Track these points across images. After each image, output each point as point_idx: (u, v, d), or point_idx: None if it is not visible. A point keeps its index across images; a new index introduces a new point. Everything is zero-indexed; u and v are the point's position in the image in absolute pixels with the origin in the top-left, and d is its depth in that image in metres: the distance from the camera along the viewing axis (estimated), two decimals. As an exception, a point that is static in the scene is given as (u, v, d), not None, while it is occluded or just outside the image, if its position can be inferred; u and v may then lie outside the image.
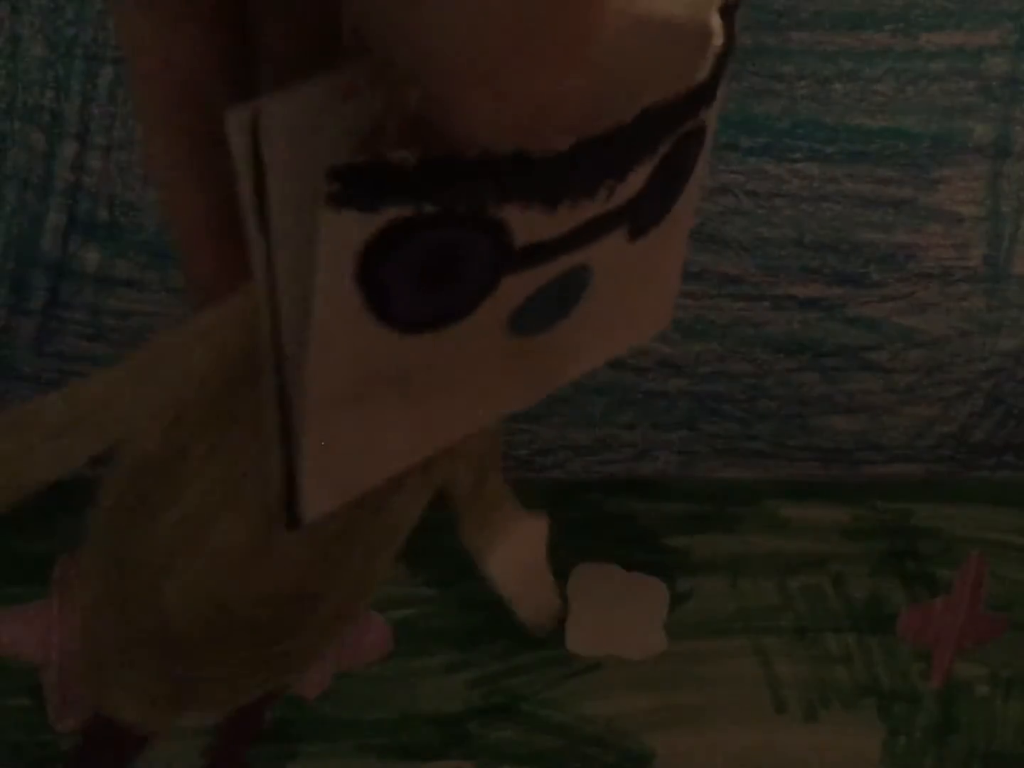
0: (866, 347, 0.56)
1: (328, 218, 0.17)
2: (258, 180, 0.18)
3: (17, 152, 0.46)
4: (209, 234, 0.21)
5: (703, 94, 0.19)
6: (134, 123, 0.46)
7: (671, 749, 0.59)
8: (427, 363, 0.20)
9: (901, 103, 0.52)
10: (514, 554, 0.28)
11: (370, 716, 0.56)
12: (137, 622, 0.24)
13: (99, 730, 0.30)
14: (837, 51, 0.51)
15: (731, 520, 0.59)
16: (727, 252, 0.53)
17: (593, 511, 0.58)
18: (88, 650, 0.26)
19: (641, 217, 0.20)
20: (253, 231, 0.19)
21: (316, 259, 0.18)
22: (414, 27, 0.16)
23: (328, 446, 0.21)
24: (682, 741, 0.59)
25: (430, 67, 0.16)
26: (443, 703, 0.57)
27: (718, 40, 0.19)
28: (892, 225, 0.54)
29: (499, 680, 0.57)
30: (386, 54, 0.17)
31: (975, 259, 0.55)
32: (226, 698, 0.27)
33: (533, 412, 0.55)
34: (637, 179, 0.19)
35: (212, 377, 0.21)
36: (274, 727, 0.55)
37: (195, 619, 0.24)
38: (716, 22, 0.19)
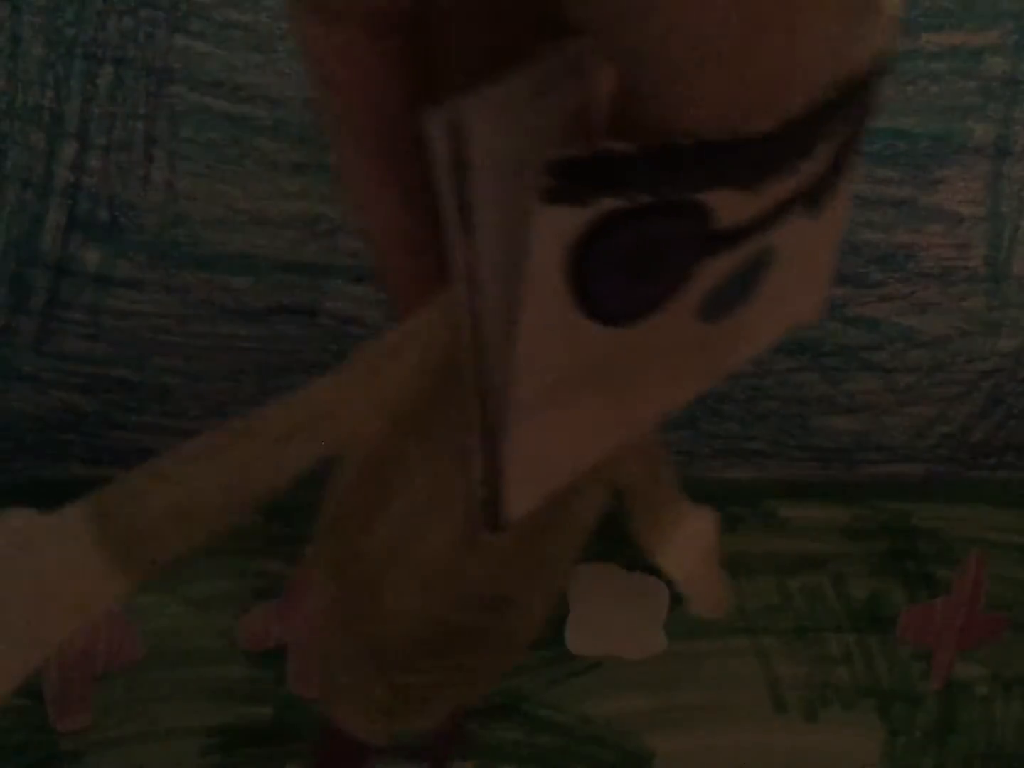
0: (866, 347, 0.56)
1: (541, 213, 0.17)
2: (459, 180, 0.18)
3: (17, 152, 0.46)
4: (407, 244, 0.21)
5: (886, 63, 0.19)
6: (134, 123, 0.46)
7: (671, 749, 0.59)
8: (626, 355, 0.20)
9: (901, 103, 0.52)
10: (687, 547, 0.28)
11: (370, 716, 0.56)
12: (359, 631, 0.25)
13: (329, 745, 0.30)
14: (837, 51, 0.51)
15: (731, 520, 0.59)
16: (727, 252, 0.53)
17: (593, 511, 0.58)
18: (320, 663, 0.26)
19: (822, 193, 0.20)
20: (454, 232, 0.19)
21: (526, 255, 0.18)
22: (649, 13, 0.16)
23: (531, 445, 0.21)
24: (682, 741, 0.59)
25: (664, 51, 0.16)
26: (443, 703, 0.57)
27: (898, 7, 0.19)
28: (892, 225, 0.54)
29: (499, 680, 0.57)
30: (611, 44, 0.17)
31: (975, 259, 0.55)
32: (440, 707, 0.28)
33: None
34: (824, 156, 0.19)
35: (422, 380, 0.22)
36: (274, 727, 0.56)
37: (409, 626, 0.25)
38: None
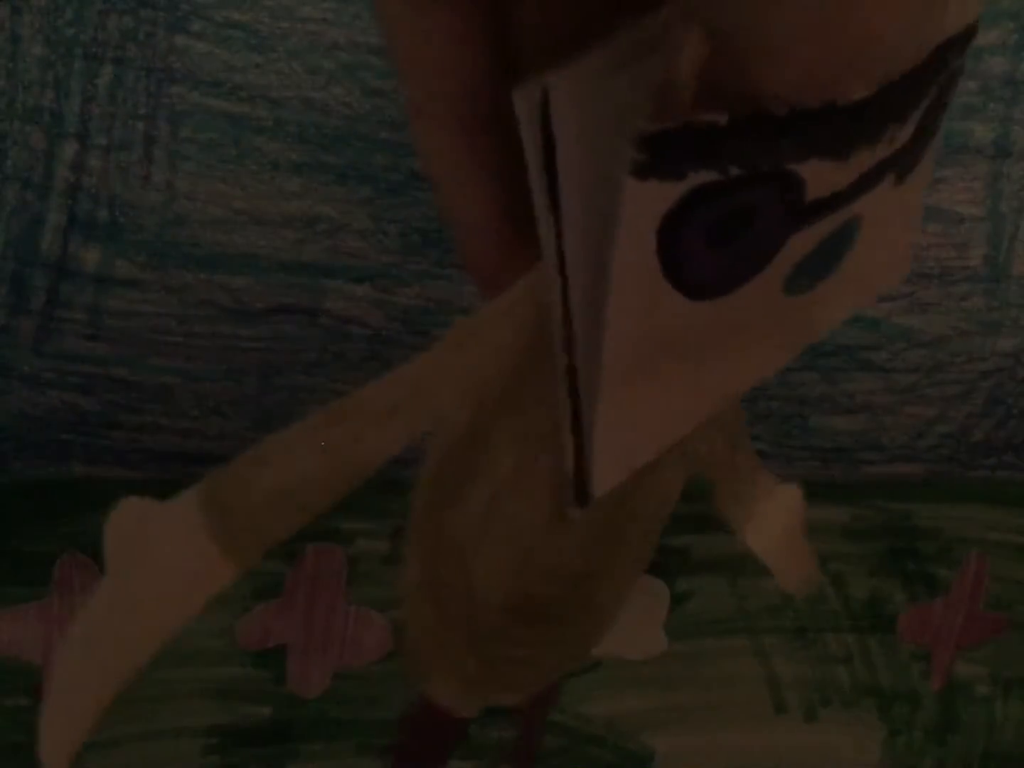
0: (866, 347, 0.56)
1: (632, 188, 0.17)
2: (547, 157, 0.18)
3: (17, 152, 0.46)
4: (493, 222, 0.21)
5: (975, 28, 0.19)
6: (134, 123, 0.46)
7: (671, 749, 0.59)
8: (714, 328, 0.20)
9: (901, 103, 0.52)
10: (771, 522, 0.29)
11: (370, 716, 0.56)
12: (449, 605, 0.25)
13: (421, 719, 0.31)
14: (837, 51, 0.51)
15: (731, 520, 0.59)
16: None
17: (593, 511, 0.58)
18: (409, 636, 0.26)
19: (908, 160, 0.20)
20: (542, 209, 0.19)
21: (616, 230, 0.18)
22: None
23: (619, 420, 0.21)
24: (682, 741, 0.59)
25: (757, 22, 0.16)
26: (443, 703, 0.57)
27: None
28: (892, 225, 0.54)
29: (499, 680, 0.57)
30: (701, 15, 0.16)
31: (975, 259, 0.55)
32: (529, 680, 0.28)
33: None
34: (913, 122, 0.19)
35: (511, 358, 0.22)
36: (274, 727, 0.56)
37: (499, 599, 0.25)
38: None
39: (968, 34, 0.19)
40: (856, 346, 0.56)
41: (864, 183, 0.19)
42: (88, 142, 0.46)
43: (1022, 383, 0.58)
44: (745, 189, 0.18)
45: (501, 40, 0.20)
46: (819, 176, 0.18)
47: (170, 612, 0.24)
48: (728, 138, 0.17)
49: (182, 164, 0.46)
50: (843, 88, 0.17)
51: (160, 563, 0.23)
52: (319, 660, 0.55)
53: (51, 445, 0.51)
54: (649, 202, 0.17)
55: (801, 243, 0.19)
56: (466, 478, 0.23)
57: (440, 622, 0.25)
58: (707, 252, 0.18)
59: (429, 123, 0.21)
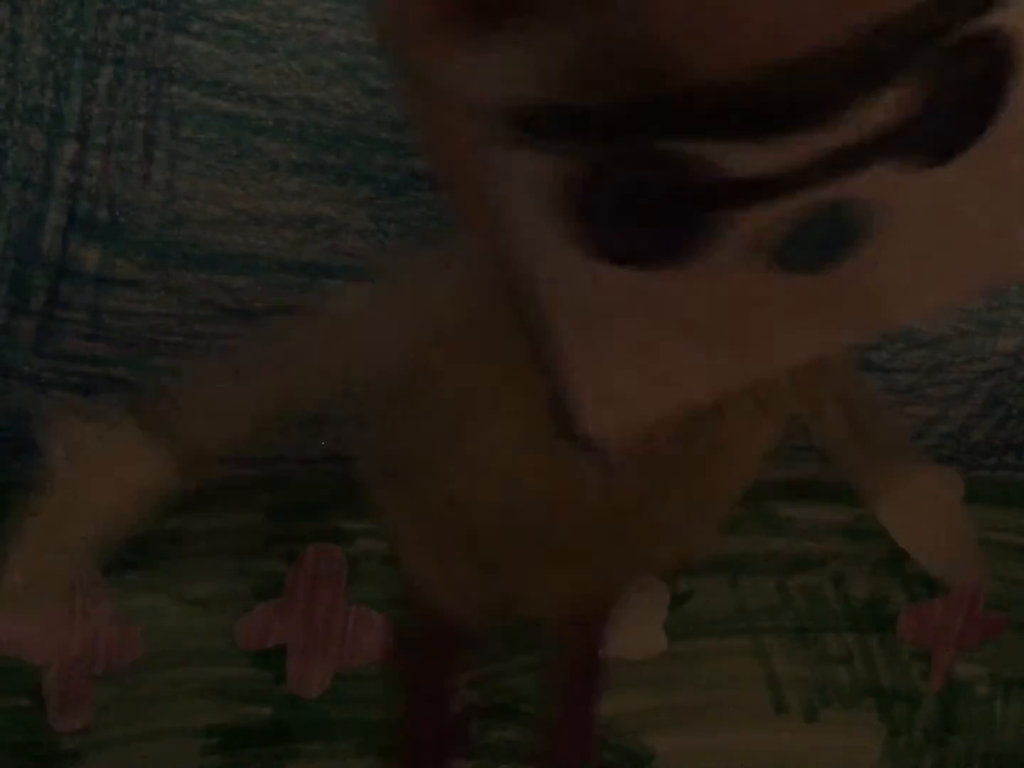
0: (866, 347, 0.56)
1: (520, 157, 0.18)
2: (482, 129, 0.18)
3: (17, 152, 0.46)
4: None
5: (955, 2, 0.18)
6: (134, 123, 0.46)
7: (671, 749, 0.59)
8: (691, 301, 0.20)
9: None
10: (915, 507, 0.28)
11: (370, 716, 0.56)
12: (436, 514, 0.25)
13: (432, 634, 0.31)
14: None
15: (731, 520, 0.59)
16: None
17: (593, 511, 0.58)
18: (414, 567, 0.27)
19: (924, 146, 0.19)
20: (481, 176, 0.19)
21: (510, 197, 0.18)
22: None
23: (602, 374, 0.21)
24: (682, 741, 0.59)
25: (625, 21, 0.16)
26: (443, 703, 0.57)
27: None
28: (892, 225, 0.54)
29: (499, 680, 0.57)
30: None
31: (975, 259, 0.55)
32: (537, 604, 0.29)
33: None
34: (891, 106, 0.18)
35: (464, 296, 0.22)
36: (274, 727, 0.56)
37: (486, 513, 0.25)
38: None
39: (949, 4, 0.18)
40: (856, 346, 0.56)
41: (831, 167, 0.18)
42: (88, 142, 0.46)
43: (1022, 383, 0.58)
44: (638, 166, 0.18)
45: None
46: (739, 157, 0.18)
47: (108, 510, 0.25)
48: (611, 116, 0.17)
49: (182, 164, 0.46)
50: (718, 73, 0.17)
51: (104, 469, 0.24)
52: (319, 660, 0.55)
53: (51, 445, 0.51)
54: (537, 172, 0.18)
55: (767, 221, 0.19)
56: (426, 401, 0.24)
57: (433, 533, 0.26)
58: (622, 224, 0.19)
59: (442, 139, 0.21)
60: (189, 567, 0.52)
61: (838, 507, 0.60)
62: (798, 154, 0.18)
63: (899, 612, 0.61)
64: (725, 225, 0.19)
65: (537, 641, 0.57)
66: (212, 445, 0.23)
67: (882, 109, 0.18)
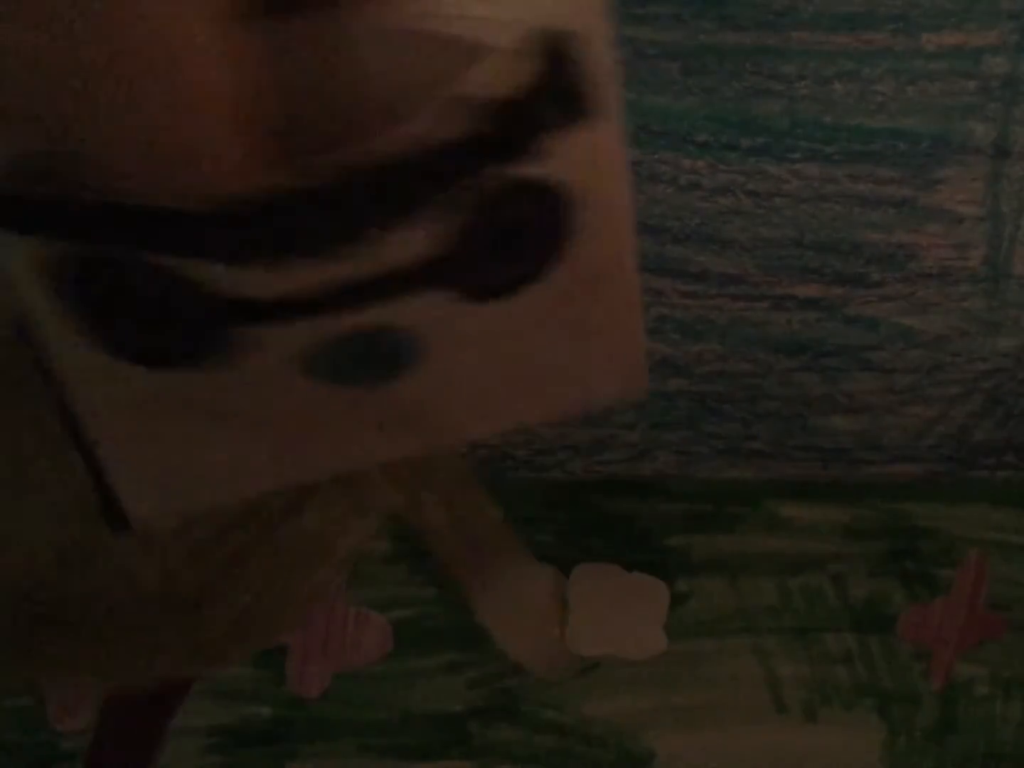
0: (866, 347, 0.56)
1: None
2: None
3: (17, 152, 0.46)
4: None
5: (481, 146, 0.18)
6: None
7: (671, 749, 0.59)
8: (228, 400, 0.21)
9: (901, 103, 0.52)
10: (507, 599, 0.28)
11: (370, 716, 0.56)
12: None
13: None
14: (837, 51, 0.51)
15: (731, 520, 0.59)
16: (727, 252, 0.53)
17: (593, 511, 0.58)
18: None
19: (471, 281, 0.20)
20: None
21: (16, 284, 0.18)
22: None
23: (134, 462, 0.21)
24: (682, 741, 0.59)
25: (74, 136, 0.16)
26: (443, 703, 0.57)
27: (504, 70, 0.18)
28: (892, 225, 0.54)
29: (499, 680, 0.57)
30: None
31: (975, 259, 0.55)
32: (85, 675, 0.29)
33: (533, 412, 0.55)
34: (421, 241, 0.19)
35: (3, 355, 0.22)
36: (274, 727, 0.56)
37: (23, 601, 0.25)
38: (505, 39, 0.18)
39: (476, 148, 0.18)
40: (856, 346, 0.56)
41: (351, 294, 0.19)
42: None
43: (1022, 383, 0.58)
44: (134, 273, 0.18)
45: None
46: (242, 279, 0.18)
47: None
48: (68, 213, 0.17)
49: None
50: (177, 198, 0.17)
51: None
52: (319, 660, 0.55)
53: (51, 445, 0.51)
54: (27, 258, 0.18)
55: (293, 337, 0.20)
56: None
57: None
58: (130, 326, 0.19)
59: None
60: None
61: (838, 507, 0.60)
62: (310, 281, 0.19)
63: (899, 612, 0.61)
64: (248, 337, 0.19)
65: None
66: None
67: (407, 243, 0.19)
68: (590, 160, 0.19)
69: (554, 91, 0.18)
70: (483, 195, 0.18)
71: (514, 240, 0.19)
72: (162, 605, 0.26)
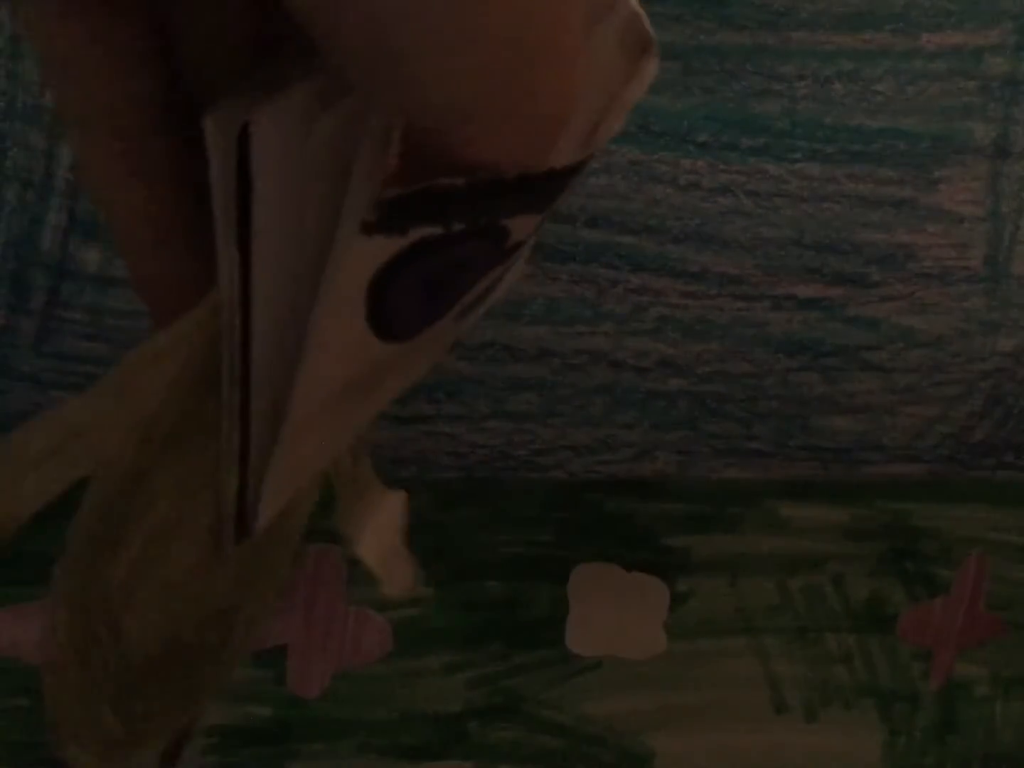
0: (866, 347, 0.56)
1: (357, 243, 0.17)
2: (241, 191, 0.17)
3: (17, 152, 0.46)
4: (159, 245, 0.20)
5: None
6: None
7: (671, 749, 0.59)
8: (398, 363, 0.20)
9: (901, 103, 0.52)
10: (382, 530, 0.28)
11: (370, 716, 0.56)
12: (95, 662, 0.23)
13: None
14: (837, 51, 0.51)
15: (731, 520, 0.59)
16: (727, 252, 0.53)
17: (593, 511, 0.58)
18: (50, 702, 0.25)
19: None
20: (227, 245, 0.18)
21: (331, 282, 0.18)
22: (407, 76, 0.15)
23: (292, 458, 0.20)
24: (682, 741, 0.59)
25: (434, 97, 0.16)
26: (443, 703, 0.57)
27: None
28: (892, 225, 0.54)
29: (499, 680, 0.57)
30: (366, 94, 0.16)
31: (975, 259, 0.55)
32: (165, 730, 0.26)
33: (533, 412, 0.55)
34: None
35: (177, 393, 0.21)
36: (274, 727, 0.55)
37: (151, 651, 0.24)
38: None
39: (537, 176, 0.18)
40: (856, 346, 0.56)
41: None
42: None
43: (1022, 383, 0.58)
44: (463, 240, 0.18)
45: (166, 51, 0.18)
46: (521, 225, 0.19)
47: None
48: (458, 198, 0.17)
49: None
50: (553, 157, 0.17)
51: None
52: (319, 660, 0.55)
53: (51, 445, 0.51)
54: (367, 255, 0.17)
55: (485, 282, 0.20)
56: (123, 523, 0.22)
57: (85, 682, 0.24)
58: (417, 299, 0.19)
59: (88, 136, 0.19)
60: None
61: (838, 507, 0.60)
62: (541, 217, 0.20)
63: (899, 612, 0.61)
64: (473, 288, 0.20)
65: (537, 641, 0.57)
66: None
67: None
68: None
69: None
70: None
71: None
72: (213, 627, 0.25)
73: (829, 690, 0.61)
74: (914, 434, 0.59)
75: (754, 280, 0.54)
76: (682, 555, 0.59)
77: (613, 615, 0.58)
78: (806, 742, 0.61)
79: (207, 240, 0.18)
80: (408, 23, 0.15)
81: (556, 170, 0.18)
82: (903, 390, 0.57)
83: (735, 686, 0.60)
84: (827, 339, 0.56)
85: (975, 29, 0.52)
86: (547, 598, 0.57)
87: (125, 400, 0.21)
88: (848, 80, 0.51)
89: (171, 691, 0.25)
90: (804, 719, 0.61)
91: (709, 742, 0.60)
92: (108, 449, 0.21)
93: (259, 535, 0.22)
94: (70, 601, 0.23)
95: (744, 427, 0.57)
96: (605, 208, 0.52)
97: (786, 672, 0.60)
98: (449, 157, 0.16)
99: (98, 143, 0.19)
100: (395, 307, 0.19)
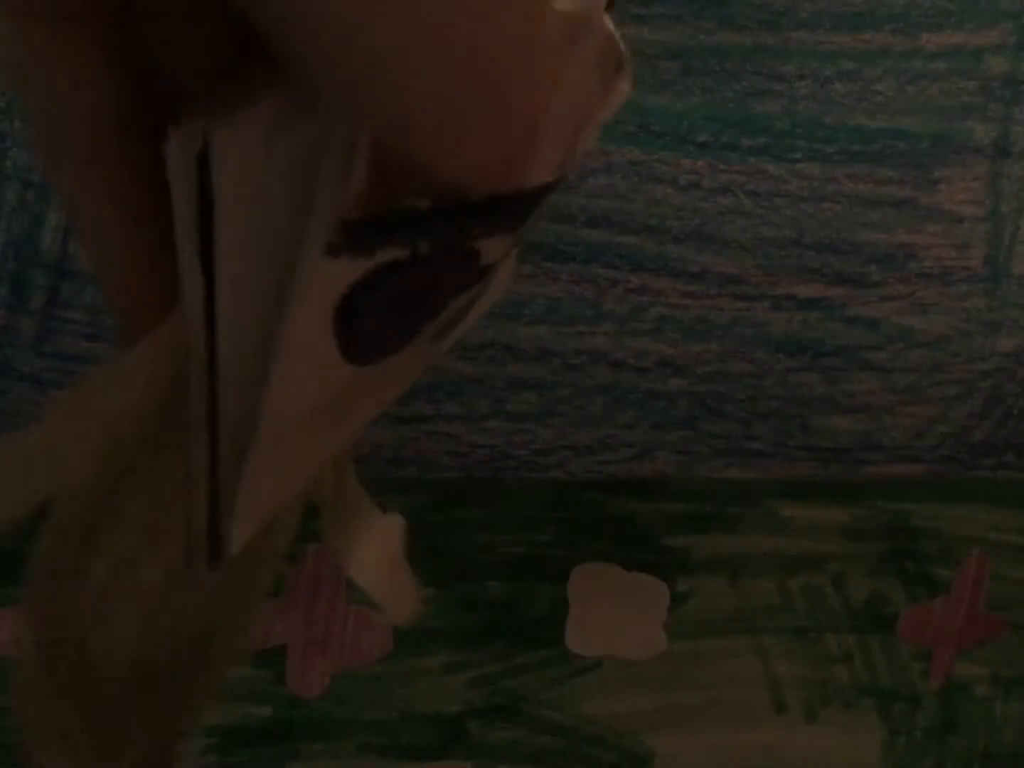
0: (866, 347, 0.56)
1: (321, 266, 0.17)
2: (203, 210, 0.17)
3: (17, 152, 0.46)
4: (130, 266, 0.20)
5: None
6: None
7: (671, 749, 0.59)
8: (368, 384, 0.20)
9: (901, 103, 0.52)
10: (374, 553, 0.27)
11: (370, 716, 0.56)
12: (65, 681, 0.23)
13: None
14: (837, 51, 0.51)
15: (731, 520, 0.59)
16: (727, 252, 0.53)
17: (593, 511, 0.58)
18: (21, 720, 0.24)
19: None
20: (189, 266, 0.18)
21: (295, 305, 0.17)
22: (382, 92, 0.15)
23: (263, 480, 0.20)
24: (682, 741, 0.59)
25: (405, 118, 0.15)
26: (443, 703, 0.57)
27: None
28: (892, 225, 0.54)
29: (499, 680, 0.57)
30: (331, 107, 0.16)
31: (975, 259, 0.55)
32: (140, 748, 0.26)
33: (533, 412, 0.55)
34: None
35: (142, 415, 0.20)
36: (274, 727, 0.55)
37: (121, 675, 0.23)
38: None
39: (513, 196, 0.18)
40: (856, 346, 0.56)
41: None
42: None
43: (1022, 383, 0.58)
44: (432, 263, 0.18)
45: (137, 71, 0.18)
46: (491, 247, 0.18)
47: None
48: (424, 220, 0.17)
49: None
50: (525, 176, 0.17)
51: None
52: (319, 660, 0.55)
53: (51, 445, 0.51)
54: (333, 278, 0.17)
55: (456, 304, 0.20)
56: (89, 545, 0.22)
57: (54, 699, 0.23)
58: (386, 322, 0.18)
59: (61, 159, 0.19)
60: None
61: (838, 507, 0.60)
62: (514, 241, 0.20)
63: (899, 612, 0.61)
64: (444, 310, 0.20)
65: (537, 641, 0.57)
66: None
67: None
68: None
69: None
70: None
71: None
72: (184, 648, 0.25)
73: (829, 690, 0.61)
74: (914, 434, 0.59)
75: (754, 280, 0.54)
76: (682, 555, 0.59)
77: (613, 615, 0.58)
78: (806, 742, 0.61)
79: (172, 259, 0.18)
80: (375, 31, 0.14)
81: (526, 191, 0.17)
82: (903, 390, 0.57)
83: (735, 686, 0.60)
84: (827, 339, 0.56)
85: (975, 29, 0.52)
86: (547, 598, 0.57)
87: (86, 423, 0.20)
88: (848, 80, 0.51)
89: (143, 714, 0.25)
90: (804, 719, 0.61)
91: (709, 742, 0.60)
92: (70, 473, 0.20)
93: (234, 558, 0.22)
94: (38, 615, 0.23)
95: (744, 427, 0.57)
96: (605, 208, 0.52)
97: (786, 672, 0.60)
98: (416, 176, 0.16)
99: (75, 171, 0.19)
100: (363, 330, 0.18)
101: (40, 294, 0.48)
